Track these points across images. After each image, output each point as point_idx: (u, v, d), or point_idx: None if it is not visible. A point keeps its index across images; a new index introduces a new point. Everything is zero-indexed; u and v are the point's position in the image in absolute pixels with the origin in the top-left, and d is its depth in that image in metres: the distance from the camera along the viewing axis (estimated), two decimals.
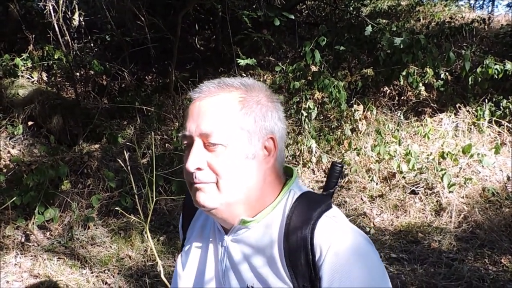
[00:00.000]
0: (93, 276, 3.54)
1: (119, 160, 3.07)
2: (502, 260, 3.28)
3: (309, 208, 0.97)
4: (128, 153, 2.94)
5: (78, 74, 6.55)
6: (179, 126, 5.33)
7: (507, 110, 5.16)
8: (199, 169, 0.96)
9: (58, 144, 5.14)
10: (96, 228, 4.10)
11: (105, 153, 4.94)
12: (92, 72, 6.44)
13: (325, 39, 5.33)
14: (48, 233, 4.08)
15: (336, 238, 0.92)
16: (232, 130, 0.96)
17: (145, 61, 6.81)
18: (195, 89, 1.01)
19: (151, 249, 3.82)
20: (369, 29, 5.60)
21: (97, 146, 5.34)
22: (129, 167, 2.93)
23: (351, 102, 5.21)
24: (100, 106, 5.83)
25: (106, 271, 3.60)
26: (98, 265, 3.66)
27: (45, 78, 6.41)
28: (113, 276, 3.53)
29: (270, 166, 1.01)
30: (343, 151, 4.81)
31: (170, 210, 4.34)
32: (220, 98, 0.98)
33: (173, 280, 1.19)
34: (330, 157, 4.74)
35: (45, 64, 6.33)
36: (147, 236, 2.86)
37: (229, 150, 0.95)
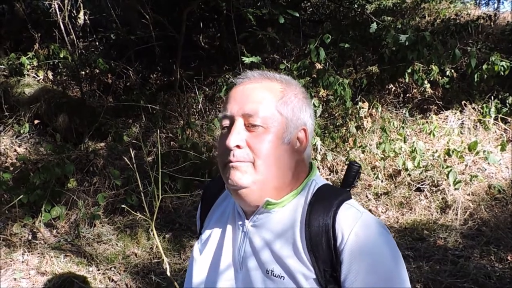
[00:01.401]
0: (99, 273, 3.56)
1: (125, 158, 3.08)
2: (508, 257, 3.27)
3: (331, 196, 1.02)
4: (133, 151, 2.95)
5: (83, 72, 6.58)
6: (184, 124, 5.35)
7: None
8: (238, 147, 0.99)
9: (64, 142, 5.17)
10: (102, 225, 4.13)
11: (110, 151, 4.96)
12: (98, 71, 6.47)
13: (330, 36, 5.31)
14: (54, 231, 4.10)
15: (357, 225, 0.96)
16: (273, 114, 1.01)
17: (150, 59, 6.83)
18: (239, 76, 1.07)
19: (157, 246, 3.84)
20: (374, 26, 5.58)
21: (102, 144, 5.37)
22: (135, 165, 2.95)
23: (356, 100, 5.20)
24: (106, 105, 5.86)
25: (113, 269, 3.62)
26: (105, 262, 3.68)
27: (50, 77, 6.44)
28: (120, 274, 3.55)
29: (300, 155, 1.06)
30: (348, 149, 4.81)
31: (176, 208, 4.36)
32: (263, 85, 1.03)
33: (189, 265, 1.21)
34: (335, 155, 4.73)
35: (51, 63, 6.36)
36: (153, 234, 2.88)
37: (268, 132, 1.00)
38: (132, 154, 2.90)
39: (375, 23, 5.68)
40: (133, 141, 5.16)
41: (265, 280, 1.00)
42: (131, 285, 3.44)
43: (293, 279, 0.97)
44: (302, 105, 1.06)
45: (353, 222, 0.96)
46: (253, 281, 1.02)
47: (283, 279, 0.98)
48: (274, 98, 1.02)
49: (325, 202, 0.99)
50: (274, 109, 1.01)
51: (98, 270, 3.61)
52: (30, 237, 3.96)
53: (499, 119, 5.05)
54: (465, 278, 3.06)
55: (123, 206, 3.68)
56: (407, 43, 5.12)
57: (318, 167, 4.77)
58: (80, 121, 5.50)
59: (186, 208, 4.33)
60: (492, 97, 5.31)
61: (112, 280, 3.53)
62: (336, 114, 5.31)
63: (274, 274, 0.99)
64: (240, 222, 1.09)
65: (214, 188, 1.25)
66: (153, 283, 3.31)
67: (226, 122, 1.03)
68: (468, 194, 4.06)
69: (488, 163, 4.29)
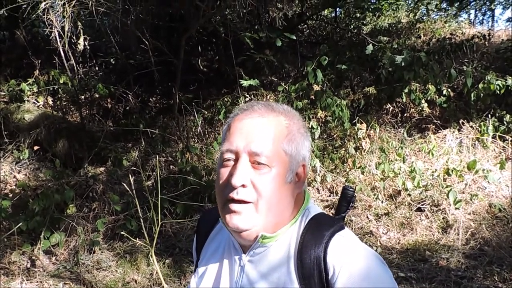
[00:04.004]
0: None
1: (124, 184, 3.08)
2: None
3: (323, 227, 1.00)
4: (133, 177, 2.95)
5: (83, 97, 6.62)
6: (183, 147, 5.36)
7: (511, 125, 5.16)
8: (243, 186, 0.97)
9: (64, 168, 5.17)
10: (102, 252, 4.09)
11: (110, 176, 4.96)
12: (97, 96, 6.52)
13: (327, 58, 5.38)
14: (53, 258, 4.07)
15: (349, 258, 0.94)
16: (279, 153, 1.00)
17: (149, 83, 6.89)
18: (242, 106, 1.06)
19: (157, 272, 3.80)
20: (370, 47, 5.66)
21: (102, 169, 5.36)
22: (134, 190, 2.95)
23: (354, 121, 5.22)
24: (105, 129, 5.88)
25: None
26: None
27: (50, 103, 6.48)
28: None
29: (299, 189, 1.05)
30: (347, 170, 4.81)
31: (176, 232, 4.33)
32: (269, 121, 1.02)
33: None
34: (334, 176, 4.73)
35: (51, 89, 6.41)
36: (153, 260, 2.86)
37: (273, 172, 0.98)
38: (132, 180, 2.90)
39: (371, 44, 5.76)
40: (132, 166, 5.16)
41: None
42: None
43: None
44: (304, 141, 1.05)
45: (344, 255, 0.94)
46: None
47: None
48: (281, 136, 1.01)
49: (317, 234, 0.98)
50: (281, 149, 1.00)
51: None
52: (28, 265, 3.93)
53: (497, 137, 5.07)
54: None
55: (122, 232, 3.68)
56: (403, 64, 5.18)
57: (317, 189, 4.76)
58: (80, 146, 5.51)
59: (186, 232, 4.31)
60: (490, 115, 5.34)
61: None
62: (335, 135, 5.33)
63: None
64: (237, 256, 1.08)
65: (209, 220, 1.23)
66: None
67: (230, 156, 1.01)
68: (469, 214, 4.05)
69: (488, 182, 4.29)
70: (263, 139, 0.99)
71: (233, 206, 0.98)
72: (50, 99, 6.48)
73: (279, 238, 1.03)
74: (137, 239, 3.81)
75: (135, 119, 6.06)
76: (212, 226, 1.21)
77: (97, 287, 3.67)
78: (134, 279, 3.77)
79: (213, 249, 1.17)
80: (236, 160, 0.99)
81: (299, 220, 1.04)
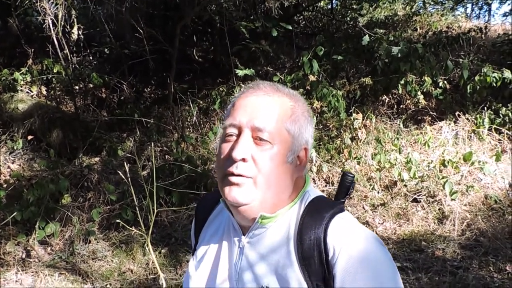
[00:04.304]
0: None
1: (120, 173, 3.05)
2: (507, 268, 3.27)
3: (323, 209, 1.00)
4: (128, 165, 2.93)
5: (77, 87, 6.55)
6: (179, 137, 5.33)
7: (507, 117, 5.19)
8: (244, 160, 0.97)
9: (58, 158, 5.12)
10: (97, 242, 4.07)
11: (105, 166, 4.92)
12: (91, 85, 6.45)
13: (323, 48, 5.35)
14: (49, 248, 4.04)
15: (348, 239, 0.94)
16: (281, 131, 0.99)
17: (144, 73, 6.83)
18: (249, 85, 1.05)
19: (153, 262, 3.79)
20: (366, 38, 5.63)
21: (97, 159, 5.33)
22: (129, 179, 2.92)
23: (350, 111, 5.22)
24: (100, 119, 5.83)
25: (108, 286, 3.57)
26: (100, 279, 3.62)
27: (44, 92, 6.41)
28: None
29: (299, 173, 1.05)
30: (343, 160, 4.81)
31: (171, 222, 4.32)
32: (275, 100, 1.01)
33: (184, 282, 1.19)
34: (330, 166, 4.73)
35: (44, 78, 6.34)
36: (149, 249, 2.84)
37: (274, 149, 0.98)
38: (127, 168, 2.87)
39: (367, 35, 5.74)
40: (128, 155, 5.13)
41: None
42: None
43: None
44: (307, 124, 1.05)
45: (344, 236, 0.95)
46: None
47: None
48: (285, 115, 1.00)
49: (317, 215, 0.98)
50: (283, 127, 1.00)
51: (94, 287, 3.55)
52: (24, 256, 3.90)
53: (493, 130, 5.09)
54: None
55: (118, 221, 3.66)
56: (399, 55, 5.17)
57: (313, 179, 4.76)
58: (74, 136, 5.46)
59: (182, 222, 4.30)
60: (486, 108, 5.35)
61: None
62: (331, 126, 5.32)
63: None
64: (236, 238, 1.08)
65: (208, 203, 1.23)
66: None
67: (232, 131, 1.00)
68: (465, 205, 4.07)
69: (484, 174, 4.31)
70: (267, 116, 0.99)
71: (233, 179, 0.97)
72: (43, 89, 6.41)
73: (278, 219, 1.02)
74: (133, 228, 3.79)
75: (130, 108, 6.02)
76: (211, 209, 1.21)
77: (93, 277, 3.65)
78: (130, 269, 3.76)
79: (212, 231, 1.17)
80: (239, 135, 0.99)
81: (299, 202, 1.04)
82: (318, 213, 0.99)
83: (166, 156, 5.15)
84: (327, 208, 1.00)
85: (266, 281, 0.99)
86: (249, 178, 0.97)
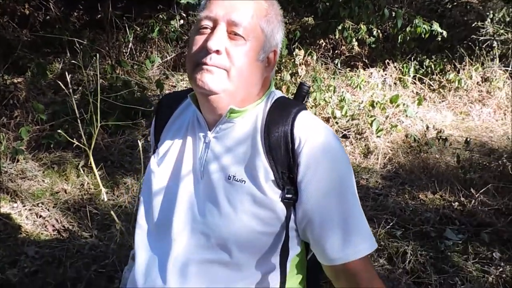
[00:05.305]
0: (25, 209, 3.38)
1: (60, 83, 2.90)
2: (420, 195, 3.69)
3: (289, 106, 1.08)
4: (69, 75, 2.78)
5: None
6: (114, 62, 5.09)
7: (429, 69, 5.68)
8: (218, 52, 0.99)
9: None
10: (26, 162, 3.87)
11: (33, 85, 4.59)
12: None
13: None
14: None
15: (313, 131, 1.04)
16: (256, 28, 1.02)
17: None
18: None
19: (88, 183, 3.72)
20: None
21: (20, 79, 4.93)
22: (71, 90, 2.79)
23: (292, 51, 5.31)
24: (22, 38, 5.35)
25: (40, 205, 3.45)
26: (30, 199, 3.49)
27: None
28: (48, 210, 3.40)
29: (268, 73, 1.11)
30: None
31: (107, 145, 4.21)
32: None
33: (145, 179, 1.19)
34: None
35: None
36: (90, 162, 2.76)
37: (248, 45, 1.01)
38: (69, 79, 2.73)
39: None
40: (56, 78, 4.81)
41: (226, 186, 1.03)
42: (62, 220, 3.33)
43: (253, 181, 1.02)
44: (279, 27, 1.09)
45: (310, 128, 1.04)
46: (215, 187, 1.05)
47: (244, 183, 1.02)
48: (260, 14, 1.03)
49: (284, 111, 1.05)
50: (258, 25, 1.03)
51: (24, 206, 3.42)
52: None
53: (416, 79, 5.52)
54: (384, 211, 3.41)
55: (50, 141, 3.50)
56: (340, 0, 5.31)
57: None
58: None
59: (118, 146, 4.21)
60: (412, 59, 5.77)
61: (40, 216, 3.38)
62: None
63: (236, 179, 1.03)
64: (202, 133, 1.10)
65: (170, 102, 1.24)
66: (87, 215, 3.23)
67: (207, 23, 1.02)
68: (388, 142, 4.44)
69: (406, 116, 4.70)
70: (243, 11, 1.01)
71: (206, 67, 0.99)
72: None
73: (245, 115, 1.07)
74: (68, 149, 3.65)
75: (58, 29, 5.57)
76: (174, 108, 1.22)
77: (23, 195, 3.51)
78: (63, 189, 3.65)
79: (175, 129, 1.18)
80: (213, 28, 1.01)
81: (265, 99, 1.10)
82: (285, 108, 1.06)
83: (101, 81, 4.91)
84: (293, 105, 1.08)
85: (233, 171, 1.04)
86: (222, 69, 1.00)
